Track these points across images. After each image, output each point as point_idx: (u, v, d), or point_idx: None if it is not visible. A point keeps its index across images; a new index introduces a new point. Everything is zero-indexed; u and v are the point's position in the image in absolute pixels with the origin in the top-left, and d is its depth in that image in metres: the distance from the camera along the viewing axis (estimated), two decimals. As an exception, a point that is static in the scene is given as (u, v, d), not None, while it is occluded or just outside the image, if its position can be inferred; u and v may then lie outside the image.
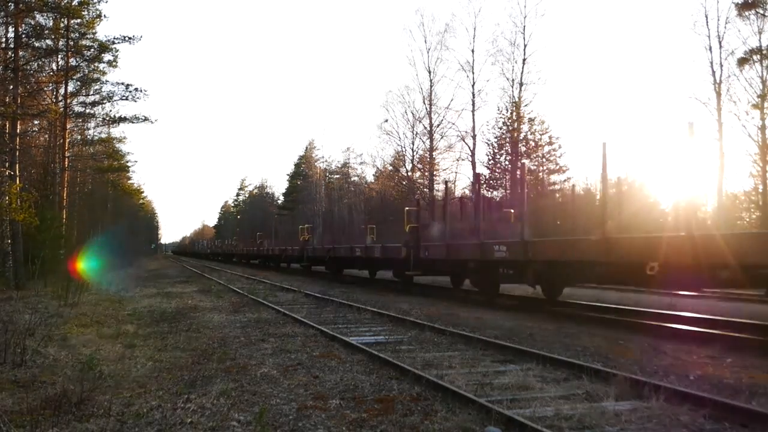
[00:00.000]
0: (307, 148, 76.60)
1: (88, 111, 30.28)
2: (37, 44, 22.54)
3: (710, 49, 28.31)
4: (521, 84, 35.54)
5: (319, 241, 27.77)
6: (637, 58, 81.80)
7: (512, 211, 17.92)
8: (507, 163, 36.70)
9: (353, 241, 24.32)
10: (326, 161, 70.82)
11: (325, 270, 26.87)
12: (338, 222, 32.34)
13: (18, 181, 19.51)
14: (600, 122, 73.83)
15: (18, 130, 20.69)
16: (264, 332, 9.74)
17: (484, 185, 36.27)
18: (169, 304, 14.60)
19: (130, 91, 27.67)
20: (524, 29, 35.18)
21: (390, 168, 46.22)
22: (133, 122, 29.22)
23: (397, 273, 19.34)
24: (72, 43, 25.40)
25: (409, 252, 16.76)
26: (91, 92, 28.92)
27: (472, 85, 37.47)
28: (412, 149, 42.31)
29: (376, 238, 23.73)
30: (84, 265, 19.35)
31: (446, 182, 23.07)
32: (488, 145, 37.46)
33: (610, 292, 15.58)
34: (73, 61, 26.81)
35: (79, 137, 34.08)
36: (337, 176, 68.77)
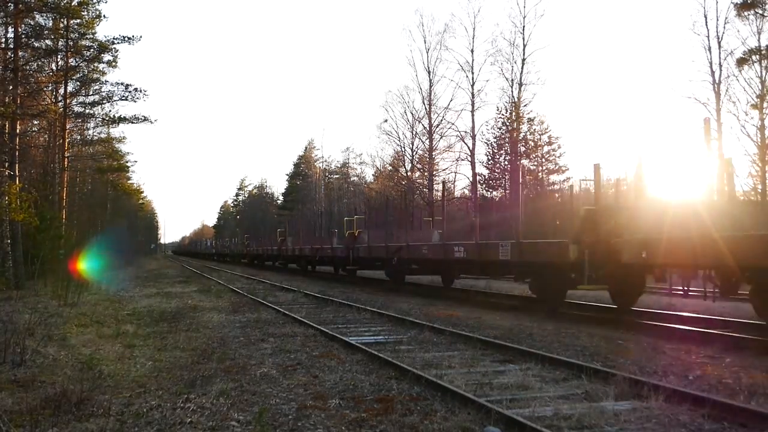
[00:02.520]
0: (306, 148, 76.73)
1: (87, 111, 30.29)
2: (36, 44, 22.54)
3: (709, 49, 28.31)
4: (520, 84, 35.56)
5: (378, 237, 20.12)
6: (637, 59, 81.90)
7: None
8: (506, 163, 36.71)
9: (418, 238, 18.28)
10: (326, 161, 70.96)
11: (386, 276, 20.68)
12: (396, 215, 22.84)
13: (18, 181, 19.51)
14: (599, 123, 73.90)
15: (18, 130, 20.69)
16: (263, 332, 9.74)
17: (484, 185, 36.30)
18: (169, 304, 14.60)
19: (130, 91, 27.68)
20: (523, 29, 35.20)
21: (389, 168, 46.24)
22: (132, 122, 29.20)
23: (545, 287, 12.32)
24: (71, 43, 25.40)
25: (582, 252, 10.55)
26: (91, 92, 28.93)
27: (472, 85, 37.46)
28: (412, 149, 42.34)
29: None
30: (83, 265, 19.32)
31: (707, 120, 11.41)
32: (488, 145, 37.47)
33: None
34: (72, 62, 26.79)
35: (78, 137, 34.07)
36: (337, 176, 68.85)
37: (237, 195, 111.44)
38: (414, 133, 41.75)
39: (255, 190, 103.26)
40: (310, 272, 29.77)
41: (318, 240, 28.29)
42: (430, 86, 39.71)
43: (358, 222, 24.07)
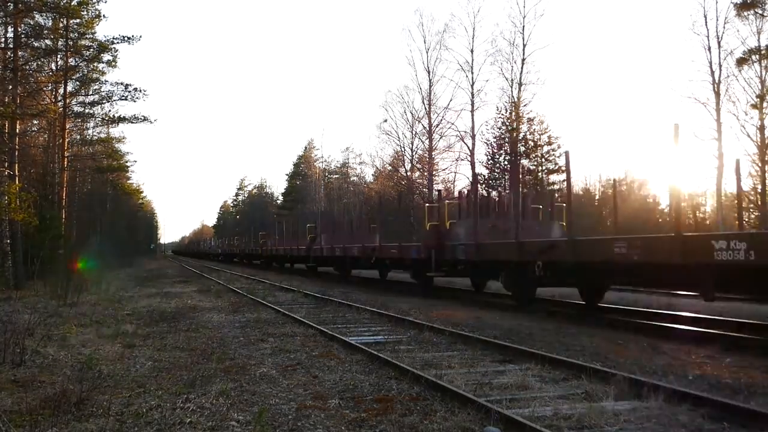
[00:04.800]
0: (306, 148, 76.75)
1: (87, 111, 30.34)
2: (36, 44, 22.56)
3: (709, 49, 28.35)
4: (520, 84, 35.58)
5: (488, 232, 14.15)
6: (636, 58, 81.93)
7: None
8: (506, 163, 36.71)
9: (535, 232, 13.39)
10: (325, 161, 71.03)
11: (508, 293, 13.47)
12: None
13: (17, 181, 19.51)
14: (599, 122, 73.93)
15: (17, 130, 20.71)
16: (263, 332, 9.74)
17: (484, 185, 36.31)
18: (169, 304, 14.59)
19: (130, 91, 27.70)
20: (523, 29, 35.23)
21: (389, 168, 46.25)
22: (132, 122, 29.22)
23: None
24: (71, 43, 25.41)
25: None
26: (91, 92, 28.96)
27: (471, 85, 37.47)
28: (412, 149, 42.33)
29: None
30: (83, 264, 19.34)
31: None
32: (487, 145, 37.49)
33: (608, 292, 15.52)
34: (72, 61, 26.80)
35: (78, 137, 34.10)
36: (336, 176, 68.88)
37: (237, 195, 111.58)
38: (414, 133, 41.78)
39: (255, 190, 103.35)
40: (310, 273, 29.38)
41: (370, 237, 21.54)
42: (430, 86, 39.72)
43: (450, 209, 16.70)
